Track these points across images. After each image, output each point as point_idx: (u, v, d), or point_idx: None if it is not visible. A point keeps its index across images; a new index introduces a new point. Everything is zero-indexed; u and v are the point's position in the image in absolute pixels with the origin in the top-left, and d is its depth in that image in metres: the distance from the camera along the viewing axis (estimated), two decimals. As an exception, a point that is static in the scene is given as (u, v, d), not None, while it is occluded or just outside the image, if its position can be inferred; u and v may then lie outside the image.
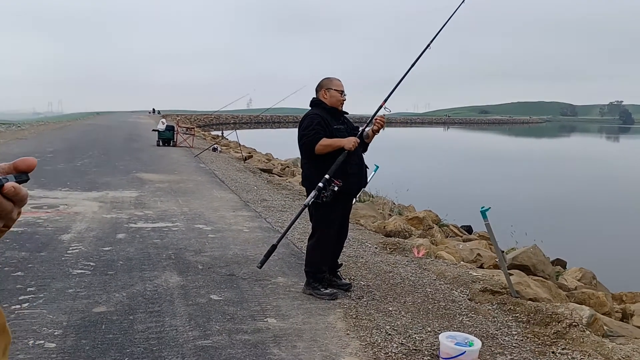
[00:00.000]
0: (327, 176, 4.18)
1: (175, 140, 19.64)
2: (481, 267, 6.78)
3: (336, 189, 4.15)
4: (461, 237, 11.76)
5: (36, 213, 7.17)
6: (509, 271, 5.90)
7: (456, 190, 23.09)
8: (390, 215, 11.47)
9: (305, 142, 4.28)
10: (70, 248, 5.57)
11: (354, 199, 4.73)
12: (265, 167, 15.33)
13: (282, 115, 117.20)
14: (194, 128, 24.49)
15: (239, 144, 21.06)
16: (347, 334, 3.76)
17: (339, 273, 4.81)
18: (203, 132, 37.02)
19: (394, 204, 14.96)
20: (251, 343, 3.51)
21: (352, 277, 5.10)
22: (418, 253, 6.09)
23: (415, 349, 3.57)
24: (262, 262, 4.34)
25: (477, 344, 3.38)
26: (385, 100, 4.57)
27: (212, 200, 8.84)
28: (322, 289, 4.44)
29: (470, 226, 15.90)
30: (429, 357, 3.47)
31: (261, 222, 7.24)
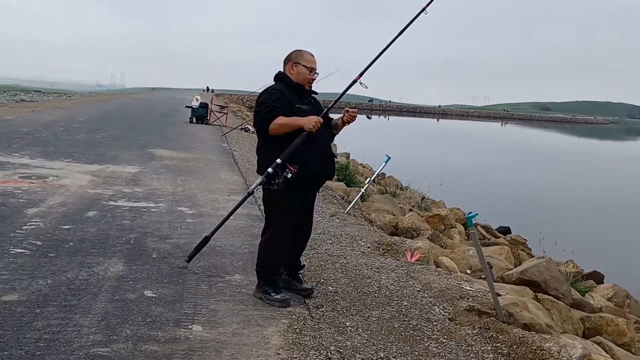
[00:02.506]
0: (278, 160, 3.53)
1: (208, 117, 19.32)
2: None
3: (290, 176, 3.50)
4: (487, 240, 10.86)
5: (19, 183, 6.84)
6: (515, 287, 5.12)
7: (500, 189, 21.88)
8: (411, 210, 10.70)
9: (259, 121, 3.63)
10: (29, 223, 5.15)
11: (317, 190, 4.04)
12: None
13: (329, 101, 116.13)
14: (227, 107, 24.12)
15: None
16: (278, 353, 3.13)
17: (300, 275, 4.17)
18: (248, 113, 36.82)
19: (423, 198, 14.13)
20: (155, 356, 2.93)
21: (321, 281, 4.46)
22: (411, 257, 5.37)
23: (351, 382, 2.91)
24: (191, 257, 3.75)
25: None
26: (362, 74, 3.86)
27: (213, 182, 8.33)
28: (273, 294, 3.82)
29: (508, 227, 14.92)
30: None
31: (252, 209, 6.66)
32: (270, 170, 3.55)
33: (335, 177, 11.75)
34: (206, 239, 3.74)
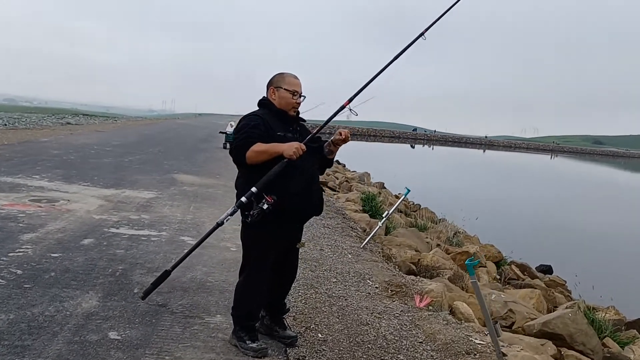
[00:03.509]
0: (254, 189, 3.17)
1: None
2: (509, 327, 5.41)
3: (266, 207, 3.13)
4: (522, 280, 10.16)
5: (26, 206, 6.72)
6: (536, 340, 4.56)
7: (545, 225, 20.84)
8: (438, 245, 10.11)
9: (235, 147, 3.29)
10: (18, 250, 4.95)
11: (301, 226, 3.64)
12: (320, 179, 14.40)
13: (378, 129, 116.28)
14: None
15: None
16: (235, 416, 2.72)
17: (284, 320, 3.76)
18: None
19: (456, 233, 13.47)
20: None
21: (311, 326, 4.04)
22: (420, 302, 4.88)
23: None
24: (146, 293, 3.37)
25: None
26: (351, 99, 3.47)
27: (226, 210, 8.03)
28: (248, 341, 3.42)
29: (550, 266, 14.06)
30: None
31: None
32: (243, 199, 3.20)
33: (360, 207, 11.32)
34: (166, 273, 3.37)
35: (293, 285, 4.84)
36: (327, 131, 3.67)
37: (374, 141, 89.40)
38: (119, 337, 3.43)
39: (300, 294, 4.73)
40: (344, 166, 27.88)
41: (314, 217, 3.81)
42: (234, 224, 7.12)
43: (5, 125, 20.99)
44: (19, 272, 4.39)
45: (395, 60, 3.64)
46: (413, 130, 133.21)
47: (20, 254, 4.86)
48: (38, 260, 4.74)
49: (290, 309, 4.05)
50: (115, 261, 4.98)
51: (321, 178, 14.87)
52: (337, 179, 16.97)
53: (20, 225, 5.82)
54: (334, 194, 12.85)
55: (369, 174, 21.11)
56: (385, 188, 19.35)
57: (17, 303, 3.77)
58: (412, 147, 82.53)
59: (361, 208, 11.25)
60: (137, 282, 4.46)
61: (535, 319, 5.25)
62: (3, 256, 4.73)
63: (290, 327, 3.80)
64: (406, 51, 3.68)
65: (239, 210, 3.30)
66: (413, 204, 17.82)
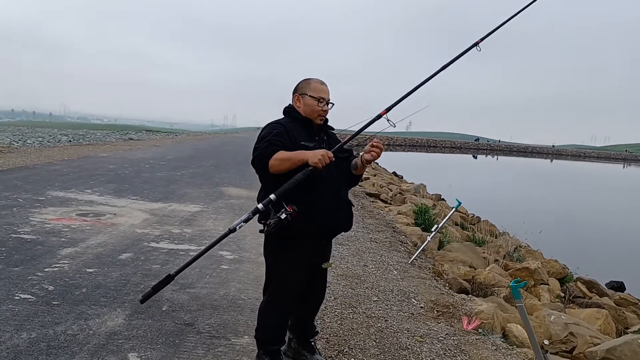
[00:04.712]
0: (272, 197, 2.92)
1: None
2: (569, 352, 4.90)
3: (284, 217, 2.87)
4: (588, 298, 9.42)
5: (72, 220, 6.78)
6: (600, 369, 4.07)
7: (617, 238, 19.58)
8: (496, 261, 9.55)
9: (257, 157, 3.06)
10: (54, 265, 4.93)
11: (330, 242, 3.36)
12: (372, 191, 14.06)
13: (438, 140, 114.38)
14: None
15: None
16: None
17: (312, 344, 3.48)
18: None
19: (517, 247, 12.77)
20: None
21: (345, 350, 3.74)
22: (467, 324, 4.48)
23: None
24: (145, 297, 3.12)
25: None
26: (389, 109, 3.15)
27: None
28: (271, 367, 3.17)
29: (622, 283, 13.09)
30: None
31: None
32: (260, 206, 2.95)
33: (412, 220, 10.88)
34: (169, 278, 3.14)
35: (329, 304, 4.60)
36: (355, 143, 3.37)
37: (434, 152, 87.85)
38: (138, 359, 3.26)
39: (336, 313, 4.44)
40: (401, 178, 27.34)
41: (361, 231, 3.52)
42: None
43: (70, 141, 21.87)
44: (50, 287, 4.34)
45: (448, 68, 3.31)
46: (475, 140, 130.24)
47: (56, 269, 4.83)
48: (72, 275, 4.69)
49: (321, 332, 3.78)
50: (149, 277, 4.86)
51: (374, 190, 14.50)
52: (391, 190, 16.54)
53: (62, 240, 5.84)
54: (386, 207, 12.47)
55: (424, 186, 20.52)
56: (442, 200, 18.75)
57: (42, 321, 3.69)
58: (475, 157, 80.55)
59: (413, 221, 10.82)
60: (167, 299, 4.32)
61: (600, 343, 4.72)
62: (39, 271, 4.71)
63: (319, 352, 3.51)
64: (461, 59, 3.36)
65: (259, 221, 3.06)
66: (472, 216, 17.13)
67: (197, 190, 10.41)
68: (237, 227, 2.97)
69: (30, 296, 4.12)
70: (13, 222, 6.38)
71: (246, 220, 2.97)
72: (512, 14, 3.72)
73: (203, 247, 6.03)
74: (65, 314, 3.85)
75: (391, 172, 29.04)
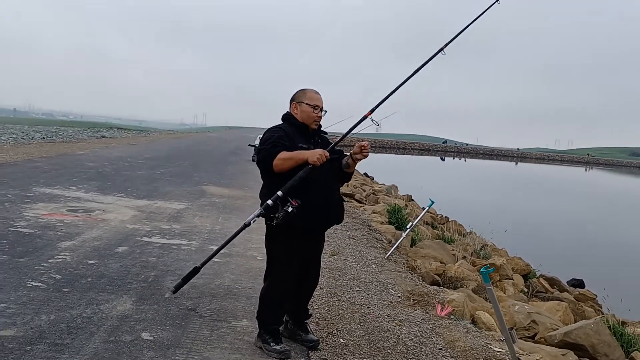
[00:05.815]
0: (279, 193, 3.36)
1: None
2: (531, 338, 5.45)
3: (290, 210, 3.31)
4: (550, 293, 10.09)
5: (64, 216, 7.05)
6: (557, 350, 4.61)
7: (578, 239, 20.53)
8: (464, 257, 10.13)
9: (263, 157, 3.49)
10: (56, 257, 5.23)
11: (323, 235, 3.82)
12: (347, 192, 14.56)
13: (407, 142, 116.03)
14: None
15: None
16: (259, 412, 2.89)
17: (307, 325, 3.92)
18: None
19: (483, 245, 13.43)
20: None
21: (334, 332, 4.18)
22: (441, 311, 4.98)
23: None
24: (177, 287, 3.56)
25: None
26: (373, 110, 3.63)
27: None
28: (272, 344, 3.59)
29: (582, 280, 13.86)
30: None
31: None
32: (270, 202, 3.38)
33: (386, 219, 11.41)
34: (195, 270, 3.57)
35: (316, 292, 5.02)
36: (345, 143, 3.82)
37: (403, 154, 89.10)
38: (152, 338, 3.64)
39: (323, 301, 4.88)
40: (372, 179, 27.96)
41: (340, 228, 3.96)
42: (261, 234, 7.33)
43: (44, 138, 21.79)
44: (58, 277, 4.66)
45: (417, 73, 3.79)
46: (443, 143, 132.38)
47: (59, 260, 5.14)
48: (75, 266, 5.01)
49: (313, 315, 4.20)
50: (148, 268, 5.21)
51: (348, 190, 14.96)
52: (364, 191, 17.07)
53: (58, 233, 6.13)
54: (360, 206, 12.97)
55: (396, 187, 21.16)
56: (412, 200, 19.38)
57: (57, 305, 4.02)
58: (442, 159, 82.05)
59: (387, 220, 11.34)
60: (168, 288, 4.67)
61: (556, 330, 5.27)
62: (43, 262, 5.01)
63: (313, 332, 3.95)
64: (428, 64, 3.82)
65: (264, 216, 3.48)
66: (441, 216, 17.82)
67: (179, 188, 10.72)
68: (252, 222, 3.40)
69: (41, 284, 4.43)
70: (8, 217, 6.62)
71: (259, 215, 3.39)
72: (473, 19, 4.18)
73: (197, 243, 6.41)
74: (77, 299, 4.18)
75: (362, 173, 29.62)
